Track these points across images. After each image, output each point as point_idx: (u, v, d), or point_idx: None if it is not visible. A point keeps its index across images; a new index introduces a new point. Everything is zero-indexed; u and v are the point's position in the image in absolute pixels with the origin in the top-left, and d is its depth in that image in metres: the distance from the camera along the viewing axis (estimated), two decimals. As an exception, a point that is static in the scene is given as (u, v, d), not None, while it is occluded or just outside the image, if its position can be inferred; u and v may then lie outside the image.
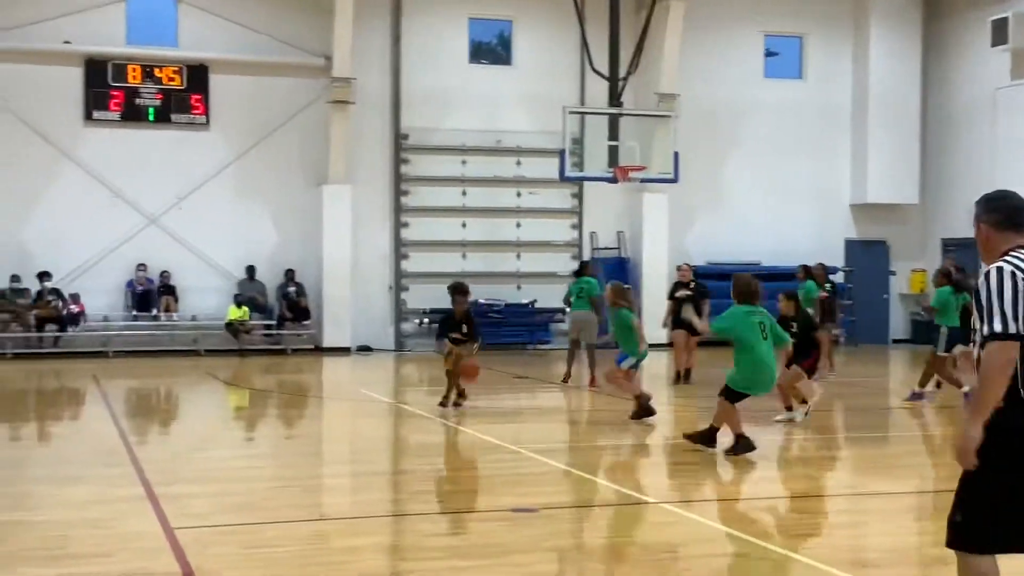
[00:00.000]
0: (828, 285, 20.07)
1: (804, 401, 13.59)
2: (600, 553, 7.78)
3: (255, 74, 25.14)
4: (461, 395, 14.66)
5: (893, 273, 28.71)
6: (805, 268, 19.61)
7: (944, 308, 15.48)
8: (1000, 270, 4.65)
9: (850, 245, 28.31)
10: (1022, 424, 4.66)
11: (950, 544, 4.83)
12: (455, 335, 14.49)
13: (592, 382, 17.24)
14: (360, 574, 7.09)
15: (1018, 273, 4.66)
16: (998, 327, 4.60)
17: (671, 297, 18.51)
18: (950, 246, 27.32)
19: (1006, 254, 4.79)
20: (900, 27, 28.05)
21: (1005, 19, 25.50)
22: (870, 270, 28.26)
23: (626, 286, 15.91)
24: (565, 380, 17.96)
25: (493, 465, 11.27)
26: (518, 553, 7.53)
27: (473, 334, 14.66)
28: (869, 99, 28.06)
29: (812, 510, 9.43)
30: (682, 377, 17.93)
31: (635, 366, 14.01)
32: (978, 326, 4.72)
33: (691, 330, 16.34)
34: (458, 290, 14.76)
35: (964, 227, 27.27)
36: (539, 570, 7.22)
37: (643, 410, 13.54)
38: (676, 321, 17.66)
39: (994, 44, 25.85)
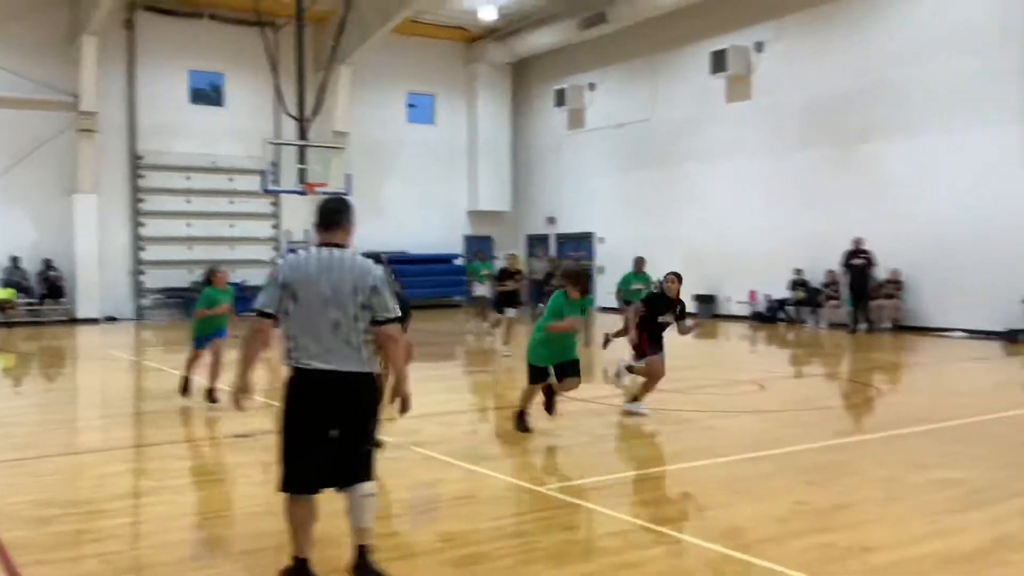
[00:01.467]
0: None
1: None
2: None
3: (15, 108, 22.50)
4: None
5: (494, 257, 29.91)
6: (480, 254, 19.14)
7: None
8: (275, 261, 4.55)
9: (468, 239, 29.28)
10: (296, 387, 4.21)
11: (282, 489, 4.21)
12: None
13: None
14: (117, 492, 6.69)
15: (283, 265, 4.28)
16: (257, 304, 4.14)
17: None
18: (533, 240, 28.88)
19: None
20: (497, 92, 29.17)
21: (563, 89, 27.22)
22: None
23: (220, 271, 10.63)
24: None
25: (218, 405, 10.76)
26: (243, 468, 7.36)
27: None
28: (478, 140, 29.03)
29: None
30: None
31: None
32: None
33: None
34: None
35: (539, 227, 29.19)
36: (259, 480, 7.07)
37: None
38: None
39: (556, 105, 27.52)
